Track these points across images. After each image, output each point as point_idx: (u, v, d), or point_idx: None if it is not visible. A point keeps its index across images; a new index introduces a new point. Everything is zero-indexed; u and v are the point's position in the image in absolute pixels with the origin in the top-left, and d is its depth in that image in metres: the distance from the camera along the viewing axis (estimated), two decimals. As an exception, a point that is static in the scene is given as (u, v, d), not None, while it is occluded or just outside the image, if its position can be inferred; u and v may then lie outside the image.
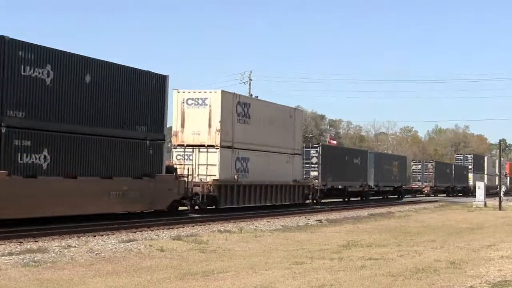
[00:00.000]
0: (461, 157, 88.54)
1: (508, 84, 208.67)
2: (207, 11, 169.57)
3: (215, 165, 31.53)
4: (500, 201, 48.20)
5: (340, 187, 47.66)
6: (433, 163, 73.03)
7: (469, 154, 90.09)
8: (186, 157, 31.64)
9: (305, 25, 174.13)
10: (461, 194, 78.57)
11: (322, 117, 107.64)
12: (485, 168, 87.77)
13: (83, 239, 19.12)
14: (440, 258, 16.37)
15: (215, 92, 32.21)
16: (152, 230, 22.36)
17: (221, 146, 31.85)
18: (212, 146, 31.71)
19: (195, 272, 13.55)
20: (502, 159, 67.95)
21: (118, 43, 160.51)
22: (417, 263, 15.34)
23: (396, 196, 61.19)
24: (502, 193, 51.22)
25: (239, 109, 33.61)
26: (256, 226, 26.02)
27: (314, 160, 44.34)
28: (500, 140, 63.22)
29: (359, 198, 53.39)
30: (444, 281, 12.70)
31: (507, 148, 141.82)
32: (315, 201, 43.43)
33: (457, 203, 55.64)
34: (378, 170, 55.38)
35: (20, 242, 17.74)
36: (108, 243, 18.35)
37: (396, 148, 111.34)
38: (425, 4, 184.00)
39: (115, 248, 17.46)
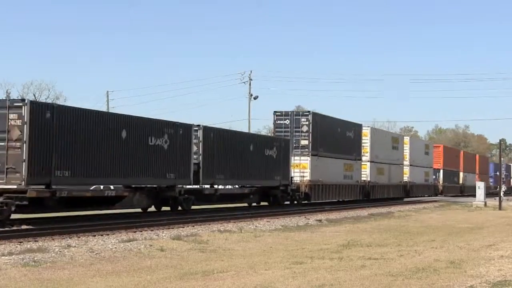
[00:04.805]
0: (287, 121, 40.95)
1: (509, 84, 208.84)
2: (206, 11, 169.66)
3: None
4: (500, 201, 48.29)
5: None
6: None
7: (303, 115, 41.26)
8: None
9: (305, 25, 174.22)
10: (249, 203, 36.89)
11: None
12: (368, 149, 49.55)
13: (83, 239, 19.12)
14: (440, 257, 16.37)
15: None
16: (152, 230, 22.36)
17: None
18: None
19: (195, 272, 13.56)
20: (502, 159, 66.71)
21: (117, 41, 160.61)
22: (417, 263, 15.34)
23: None
24: (502, 193, 51.30)
25: None
26: (256, 226, 26.03)
27: None
28: (500, 140, 63.05)
29: None
30: (444, 281, 12.70)
31: (507, 148, 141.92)
32: None
33: (457, 203, 55.66)
34: None
35: (20, 242, 17.74)
36: (108, 243, 18.35)
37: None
38: (426, 3, 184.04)
39: (115, 248, 17.46)
